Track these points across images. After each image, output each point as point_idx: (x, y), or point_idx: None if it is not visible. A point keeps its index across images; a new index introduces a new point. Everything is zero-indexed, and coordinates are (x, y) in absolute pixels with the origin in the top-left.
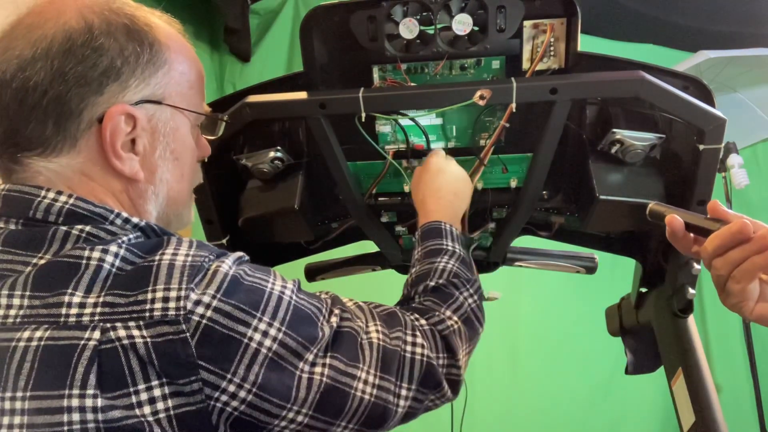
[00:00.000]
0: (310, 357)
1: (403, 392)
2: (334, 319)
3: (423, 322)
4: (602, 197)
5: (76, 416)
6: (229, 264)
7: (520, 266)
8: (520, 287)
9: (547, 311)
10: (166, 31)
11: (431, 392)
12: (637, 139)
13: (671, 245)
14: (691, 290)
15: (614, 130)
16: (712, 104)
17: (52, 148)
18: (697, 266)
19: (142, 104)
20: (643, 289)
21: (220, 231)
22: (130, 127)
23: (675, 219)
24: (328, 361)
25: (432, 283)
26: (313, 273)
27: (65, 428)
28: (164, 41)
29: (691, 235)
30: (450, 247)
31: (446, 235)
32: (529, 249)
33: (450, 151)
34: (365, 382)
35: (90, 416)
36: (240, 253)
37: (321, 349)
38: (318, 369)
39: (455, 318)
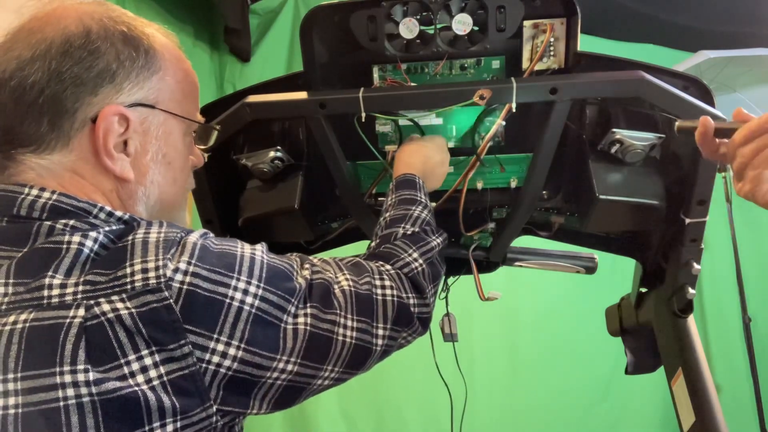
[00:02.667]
0: (292, 309)
1: (380, 332)
2: (306, 273)
3: (388, 266)
4: (602, 197)
5: (70, 391)
6: (196, 236)
7: (520, 266)
8: (520, 287)
9: (547, 311)
10: (161, 41)
11: (404, 329)
12: (637, 139)
13: (671, 245)
14: (691, 290)
15: (614, 130)
16: (712, 104)
17: (46, 145)
18: (696, 266)
19: (136, 107)
20: (643, 289)
21: (220, 231)
22: (123, 128)
23: (708, 120)
24: (309, 310)
25: (408, 230)
26: None
27: (60, 404)
28: (159, 49)
29: (716, 140)
30: (423, 200)
31: (420, 189)
32: (529, 249)
33: (450, 151)
34: (345, 327)
35: (84, 390)
36: (205, 230)
37: (300, 301)
38: (300, 319)
39: (421, 260)
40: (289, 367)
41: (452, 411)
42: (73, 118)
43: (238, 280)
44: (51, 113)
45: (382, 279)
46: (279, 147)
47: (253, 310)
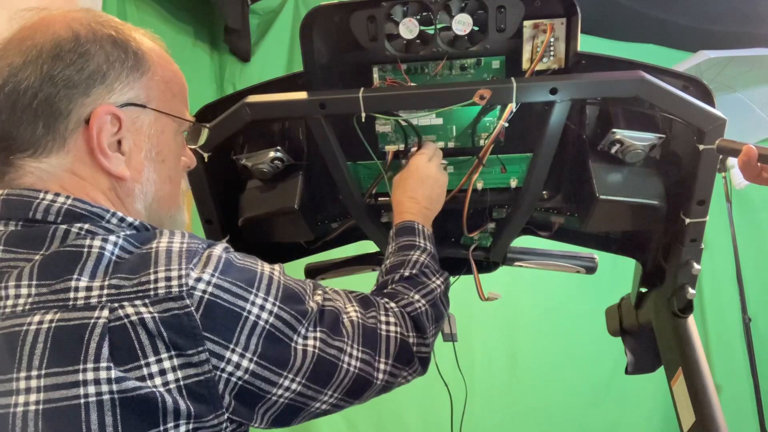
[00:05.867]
0: (302, 330)
1: (382, 366)
2: (318, 298)
3: (393, 304)
4: (602, 197)
5: (91, 389)
6: (219, 249)
7: (520, 266)
8: (520, 287)
9: (547, 311)
10: (149, 44)
11: (404, 368)
12: (637, 139)
13: (671, 245)
14: (691, 290)
15: (614, 130)
16: (712, 104)
17: (43, 148)
18: (696, 266)
19: (127, 107)
20: (643, 289)
21: (220, 231)
22: (116, 128)
23: (752, 149)
24: (318, 334)
25: (406, 273)
26: (313, 273)
27: (81, 401)
28: (148, 52)
29: (759, 165)
30: (422, 244)
31: (418, 234)
32: (529, 249)
33: (450, 151)
34: (350, 356)
35: (105, 388)
36: (226, 244)
37: (311, 324)
38: (310, 341)
39: (423, 301)
40: (293, 386)
41: (452, 411)
42: (67, 120)
43: (256, 295)
44: (45, 116)
45: (387, 315)
46: (279, 147)
47: (267, 326)
